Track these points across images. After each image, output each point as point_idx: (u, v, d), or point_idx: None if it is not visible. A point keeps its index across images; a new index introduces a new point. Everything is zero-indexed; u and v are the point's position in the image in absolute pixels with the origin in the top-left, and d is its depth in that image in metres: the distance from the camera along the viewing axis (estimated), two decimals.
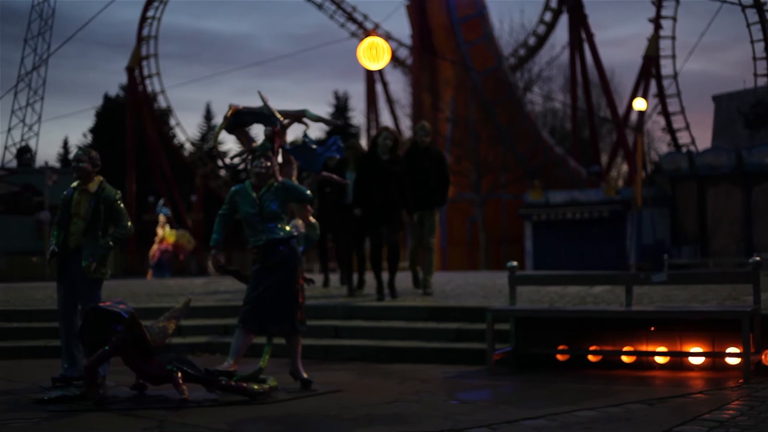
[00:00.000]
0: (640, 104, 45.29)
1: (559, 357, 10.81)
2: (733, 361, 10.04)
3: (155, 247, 32.03)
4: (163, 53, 77.00)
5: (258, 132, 10.84)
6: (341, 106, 73.09)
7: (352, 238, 14.37)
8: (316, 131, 63.46)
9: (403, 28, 65.56)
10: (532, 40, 55.14)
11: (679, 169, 42.21)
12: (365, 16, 54.84)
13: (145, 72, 55.03)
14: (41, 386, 9.45)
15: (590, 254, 42.83)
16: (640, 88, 48.50)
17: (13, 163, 51.75)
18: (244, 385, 8.85)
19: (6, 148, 52.18)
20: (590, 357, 10.70)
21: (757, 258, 10.20)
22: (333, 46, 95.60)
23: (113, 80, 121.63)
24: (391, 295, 13.59)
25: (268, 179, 9.48)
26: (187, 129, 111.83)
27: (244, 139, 10.89)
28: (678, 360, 10.36)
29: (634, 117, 50.34)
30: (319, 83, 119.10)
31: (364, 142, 57.37)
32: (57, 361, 9.99)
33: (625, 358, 10.55)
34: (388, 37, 53.23)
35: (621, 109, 51.62)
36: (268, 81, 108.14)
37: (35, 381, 9.91)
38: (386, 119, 58.20)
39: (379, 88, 56.54)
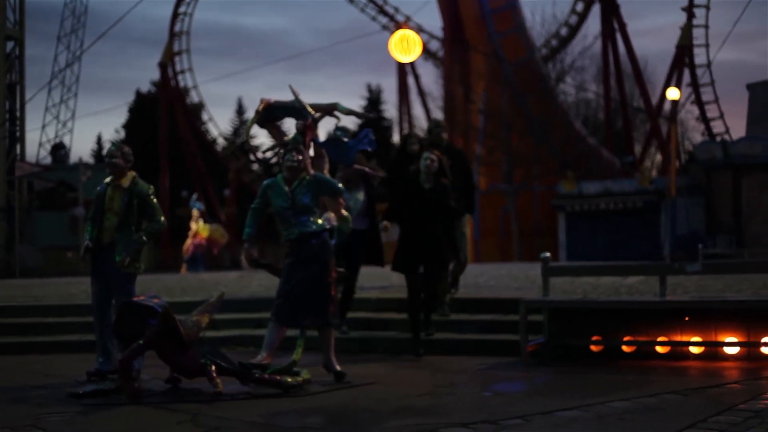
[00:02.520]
0: (673, 94, 44.97)
1: (593, 348, 10.77)
2: None
3: (189, 241, 32.17)
4: (197, 49, 77.47)
5: (290, 126, 10.85)
6: (374, 99, 73.07)
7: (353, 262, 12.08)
8: (348, 124, 63.50)
9: (434, 21, 65.54)
10: (564, 31, 54.90)
11: (714, 158, 41.92)
12: (396, 9, 54.81)
13: (178, 68, 55.24)
14: (76, 380, 9.51)
15: (624, 245, 42.60)
16: (673, 77, 48.21)
17: (48, 160, 52.02)
18: (278, 377, 8.87)
19: (40, 144, 52.46)
20: (624, 348, 10.66)
21: None
22: (365, 39, 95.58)
23: (146, 76, 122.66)
24: (427, 334, 11.62)
25: (300, 173, 9.49)
26: (219, 124, 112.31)
27: (276, 132, 10.89)
28: (713, 350, 10.30)
29: (667, 107, 49.99)
30: (352, 77, 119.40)
31: (396, 138, 57.51)
32: (92, 355, 10.05)
33: (659, 349, 10.51)
34: (419, 29, 53.25)
35: (654, 99, 51.36)
36: (301, 75, 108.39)
37: (71, 375, 9.98)
38: (418, 112, 58.20)
39: (410, 80, 56.50)
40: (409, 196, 11.35)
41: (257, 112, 10.68)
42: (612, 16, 51.21)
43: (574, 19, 54.73)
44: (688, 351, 10.41)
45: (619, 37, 51.34)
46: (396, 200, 11.61)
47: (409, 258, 11.24)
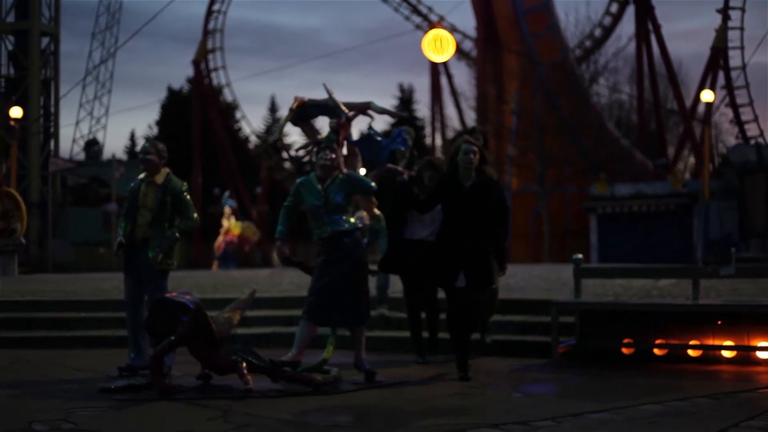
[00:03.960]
0: (707, 96, 44.66)
1: (624, 350, 10.73)
2: None
3: (221, 238, 32.31)
4: (231, 47, 77.71)
5: (323, 124, 10.85)
6: (406, 98, 73.02)
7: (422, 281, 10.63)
8: (382, 123, 63.51)
9: (467, 20, 65.46)
10: (598, 32, 54.68)
11: (748, 161, 41.63)
12: (430, 9, 54.76)
13: (211, 65, 55.41)
14: (108, 375, 9.56)
15: (656, 248, 42.38)
16: (707, 79, 47.89)
17: (82, 156, 52.38)
18: (309, 375, 8.88)
19: (74, 140, 52.86)
20: (656, 351, 10.61)
21: None
22: (399, 39, 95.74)
23: (180, 73, 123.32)
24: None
25: (333, 171, 9.51)
26: (252, 122, 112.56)
27: (309, 131, 10.90)
28: (745, 354, 10.24)
29: (701, 109, 49.66)
30: (385, 76, 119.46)
31: (429, 139, 57.49)
32: (124, 350, 10.09)
33: (691, 352, 10.46)
34: (452, 29, 53.23)
35: (688, 101, 51.04)
36: (334, 74, 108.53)
37: (102, 370, 10.04)
38: (451, 112, 58.10)
39: (443, 80, 56.40)
40: (446, 197, 9.59)
41: (291, 110, 10.69)
42: (646, 17, 50.92)
43: (608, 20, 54.51)
44: (721, 355, 10.36)
45: (653, 38, 51.02)
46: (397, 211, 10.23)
47: (448, 269, 9.47)
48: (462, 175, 9.51)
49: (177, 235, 9.76)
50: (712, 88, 46.96)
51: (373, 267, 10.23)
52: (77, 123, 52.84)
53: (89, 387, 9.10)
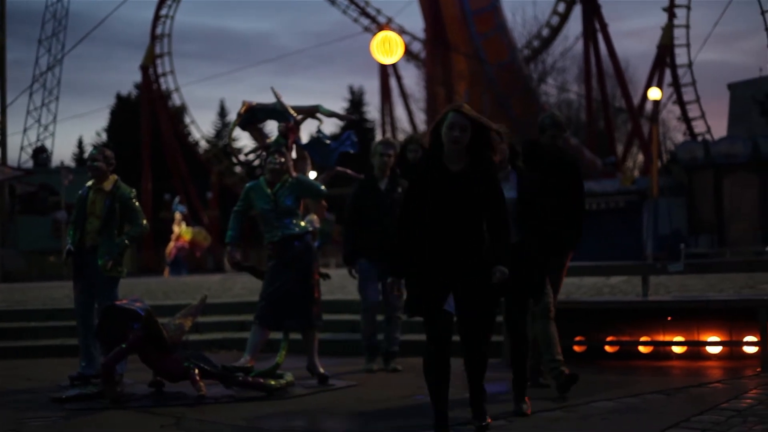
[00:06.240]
0: (655, 94, 45.02)
1: (576, 348, 10.78)
2: (750, 350, 10.04)
3: (171, 244, 32.16)
4: (180, 52, 77.29)
5: (272, 128, 10.84)
6: (356, 101, 72.91)
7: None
8: (331, 126, 63.45)
9: (416, 22, 65.67)
10: (545, 32, 54.94)
11: (695, 158, 41.98)
12: (378, 11, 54.73)
13: (159, 70, 55.08)
14: (59, 385, 9.49)
15: (606, 245, 42.62)
16: (654, 77, 48.25)
17: (30, 164, 51.84)
18: (261, 380, 8.87)
19: (22, 148, 52.28)
20: (607, 348, 10.68)
21: None
22: (349, 41, 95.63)
23: (128, 79, 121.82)
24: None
25: (282, 175, 9.50)
26: (202, 126, 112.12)
27: (258, 135, 10.89)
28: (695, 349, 10.34)
29: (649, 107, 50.09)
30: (336, 79, 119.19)
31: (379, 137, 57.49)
32: (75, 359, 10.03)
33: (642, 349, 10.54)
34: (401, 31, 53.19)
35: (636, 99, 51.39)
36: (285, 78, 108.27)
37: (53, 380, 9.96)
38: (401, 113, 58.12)
39: (393, 82, 56.41)
40: (427, 187, 6.76)
41: (239, 114, 10.68)
42: (593, 16, 51.20)
43: (555, 20, 54.76)
44: (671, 351, 10.44)
45: (600, 37, 51.34)
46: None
47: (431, 290, 6.73)
48: (448, 157, 6.82)
49: (126, 242, 9.72)
50: (659, 85, 47.34)
51: (324, 271, 10.22)
52: (25, 131, 52.29)
53: (40, 397, 9.03)
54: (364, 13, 54.79)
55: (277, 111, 10.50)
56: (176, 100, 56.13)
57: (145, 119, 54.52)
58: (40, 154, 52.73)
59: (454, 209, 6.67)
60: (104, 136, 68.71)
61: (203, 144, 59.95)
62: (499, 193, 6.82)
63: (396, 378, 9.71)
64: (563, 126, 8.89)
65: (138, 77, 58.67)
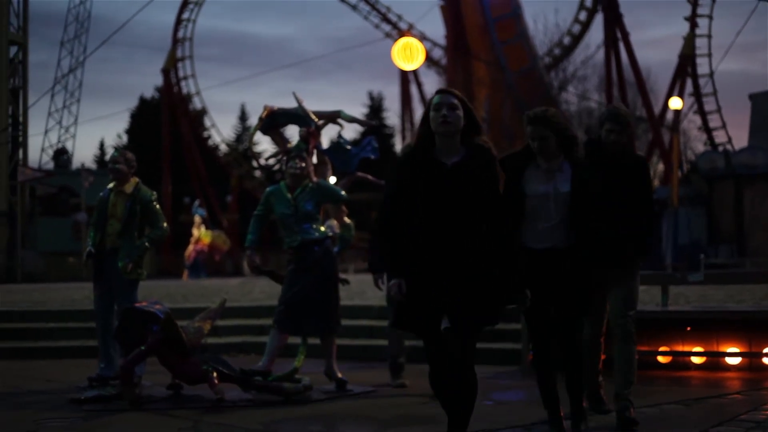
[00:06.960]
0: (676, 103, 44.88)
1: None
2: None
3: (191, 247, 32.26)
4: (202, 56, 77.55)
5: (293, 133, 10.86)
6: (376, 106, 73.02)
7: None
8: (351, 132, 63.49)
9: (437, 29, 65.45)
10: (567, 40, 54.93)
11: (716, 168, 41.83)
12: (399, 17, 54.77)
13: (181, 74, 55.26)
14: (78, 386, 9.51)
15: None
16: (676, 87, 48.16)
17: (51, 165, 52.01)
18: (279, 385, 8.87)
19: (43, 150, 52.47)
20: None
21: None
22: (370, 47, 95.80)
23: (150, 82, 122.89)
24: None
25: (302, 180, 9.51)
26: (222, 130, 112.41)
27: (279, 140, 10.90)
28: (714, 360, 10.29)
29: (670, 116, 49.95)
30: (356, 84, 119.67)
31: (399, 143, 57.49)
32: (94, 361, 10.06)
33: (660, 359, 10.50)
34: (422, 37, 53.25)
35: (657, 109, 51.29)
36: (305, 83, 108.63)
37: (72, 381, 9.99)
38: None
39: (413, 88, 56.46)
40: (417, 183, 5.91)
41: (260, 119, 10.70)
42: (615, 25, 51.13)
43: (576, 28, 54.73)
44: (690, 361, 10.40)
45: (621, 46, 51.28)
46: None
47: (423, 304, 5.89)
48: (441, 149, 5.96)
49: (146, 244, 9.74)
50: (680, 95, 47.22)
51: (343, 276, 10.21)
52: (46, 132, 52.49)
53: (59, 398, 9.06)
54: (385, 19, 54.83)
55: (298, 116, 10.52)
56: (197, 103, 56.31)
57: (166, 122, 54.72)
58: (61, 155, 52.92)
59: (450, 208, 5.81)
60: (125, 139, 68.94)
61: (223, 148, 60.12)
62: (498, 189, 5.99)
63: (414, 385, 9.69)
64: (622, 120, 7.53)
65: (159, 80, 58.97)
